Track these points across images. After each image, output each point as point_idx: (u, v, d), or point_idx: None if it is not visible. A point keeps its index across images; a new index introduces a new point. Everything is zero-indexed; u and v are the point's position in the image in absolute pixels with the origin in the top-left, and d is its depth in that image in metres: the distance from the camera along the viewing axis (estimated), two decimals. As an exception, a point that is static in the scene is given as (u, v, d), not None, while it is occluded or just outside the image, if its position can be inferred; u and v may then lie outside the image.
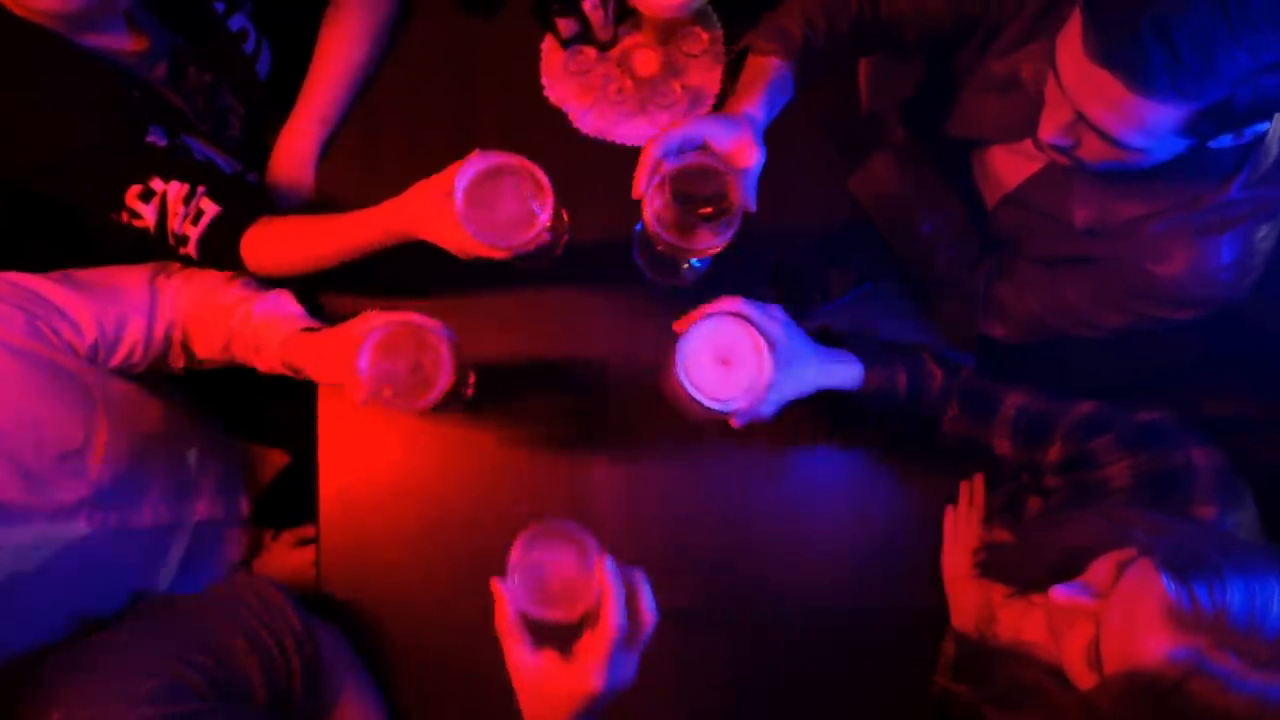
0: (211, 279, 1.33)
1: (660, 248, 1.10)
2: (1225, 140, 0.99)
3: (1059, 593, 0.86)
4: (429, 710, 1.36)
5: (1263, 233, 1.11)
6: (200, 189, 1.28)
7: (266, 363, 1.28)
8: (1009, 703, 0.99)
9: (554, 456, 1.42)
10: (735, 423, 1.06)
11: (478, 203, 1.09)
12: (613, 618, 0.89)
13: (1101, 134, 0.98)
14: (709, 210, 1.05)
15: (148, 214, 1.27)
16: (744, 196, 1.07)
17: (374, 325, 1.12)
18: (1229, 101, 0.90)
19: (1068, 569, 0.90)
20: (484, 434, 1.42)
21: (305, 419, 1.44)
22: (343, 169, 1.49)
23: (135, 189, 1.26)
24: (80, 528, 1.14)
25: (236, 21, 1.39)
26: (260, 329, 1.26)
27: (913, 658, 1.31)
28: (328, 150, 1.49)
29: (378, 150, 1.49)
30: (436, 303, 1.45)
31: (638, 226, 1.23)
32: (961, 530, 1.33)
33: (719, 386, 0.99)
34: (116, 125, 1.26)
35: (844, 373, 1.15)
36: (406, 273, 1.35)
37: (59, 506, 1.11)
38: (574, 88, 1.50)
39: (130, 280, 1.28)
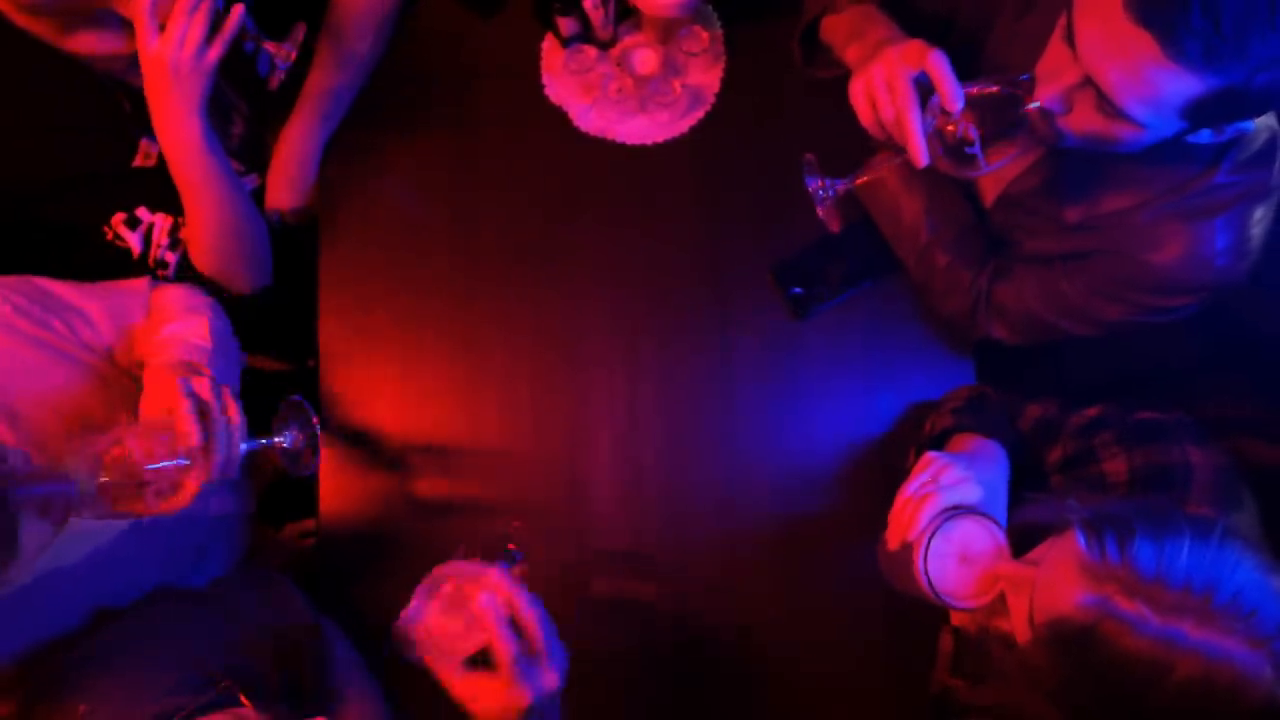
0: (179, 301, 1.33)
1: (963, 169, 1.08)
2: (1205, 135, 1.00)
3: (1004, 566, 0.93)
4: (429, 709, 1.37)
5: (1258, 215, 1.10)
6: (181, 220, 1.35)
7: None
8: (980, 680, 1.02)
9: (553, 456, 1.43)
10: None
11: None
12: (500, 645, 0.97)
13: (1107, 101, 0.97)
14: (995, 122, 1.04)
15: (133, 241, 1.34)
16: (1042, 98, 1.03)
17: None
18: (1244, 86, 0.91)
19: (1023, 547, 0.95)
20: (484, 433, 1.43)
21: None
22: (344, 168, 1.49)
23: (121, 216, 1.32)
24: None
25: None
26: (155, 344, 1.22)
27: (911, 656, 1.32)
28: (329, 149, 1.49)
29: (379, 149, 1.50)
30: (438, 307, 1.46)
31: (809, 167, 1.16)
32: None
33: (977, 586, 0.99)
34: (106, 148, 1.29)
35: (1004, 457, 1.15)
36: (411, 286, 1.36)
37: None
38: (574, 86, 1.50)
39: (135, 287, 1.30)
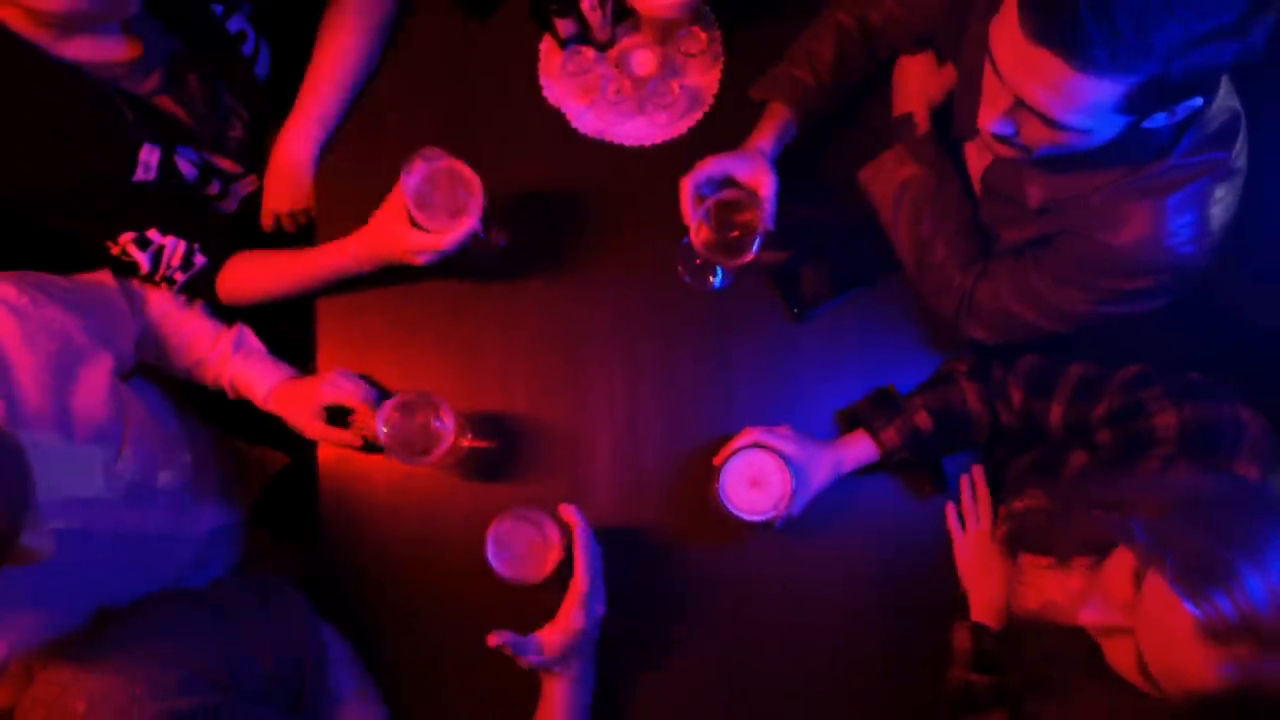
0: (171, 300, 1.42)
1: (699, 261, 1.34)
2: (1160, 119, 1.01)
3: (1088, 616, 0.89)
4: (429, 710, 1.37)
5: (1218, 194, 1.10)
6: (195, 245, 1.39)
7: (238, 395, 1.43)
8: (1042, 687, 1.00)
9: (552, 457, 1.43)
10: (776, 526, 1.30)
11: (422, 204, 1.26)
12: (584, 575, 1.21)
13: (1041, 117, 0.99)
14: (737, 234, 1.26)
15: (142, 260, 1.36)
16: (765, 220, 1.27)
17: (324, 397, 1.36)
18: (1164, 76, 0.92)
19: (1091, 551, 0.94)
20: (483, 435, 1.43)
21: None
22: (341, 169, 1.49)
23: (130, 235, 1.33)
24: (111, 515, 1.16)
25: (235, 23, 1.39)
26: (240, 372, 1.42)
27: (913, 655, 1.32)
28: (326, 150, 1.49)
29: (376, 150, 1.49)
30: (436, 310, 1.46)
31: (684, 240, 1.35)
32: (970, 522, 1.34)
33: (755, 507, 1.26)
34: (108, 157, 1.29)
35: (857, 451, 1.33)
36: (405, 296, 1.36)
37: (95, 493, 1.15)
38: (572, 88, 1.50)
39: (108, 291, 1.33)
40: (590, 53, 1.47)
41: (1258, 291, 1.55)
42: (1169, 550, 0.81)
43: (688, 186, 1.27)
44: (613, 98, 1.48)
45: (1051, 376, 1.25)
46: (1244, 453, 1.03)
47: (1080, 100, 0.96)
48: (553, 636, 1.20)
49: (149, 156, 1.32)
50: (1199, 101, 1.00)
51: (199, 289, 1.42)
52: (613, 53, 1.50)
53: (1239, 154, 1.11)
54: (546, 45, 1.52)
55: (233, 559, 1.45)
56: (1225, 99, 1.09)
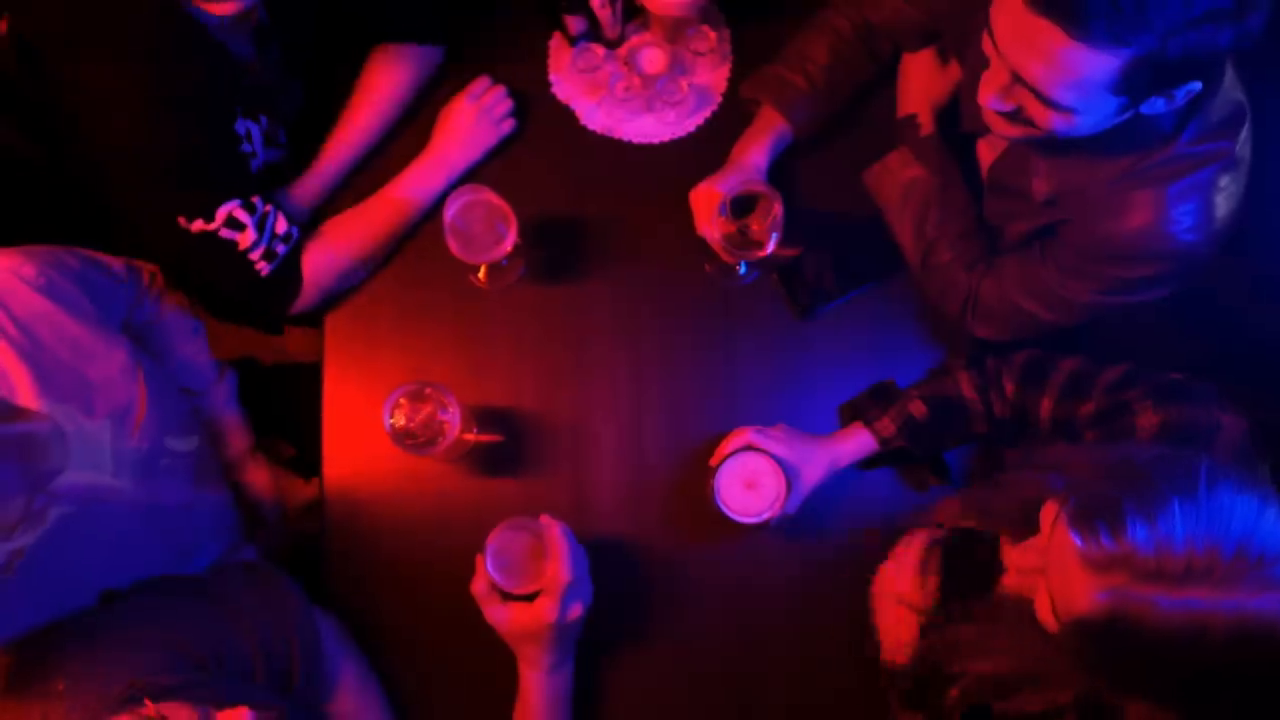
0: (184, 320, 1.44)
1: (724, 259, 1.35)
2: (1159, 104, 1.01)
3: (1013, 555, 0.96)
4: (429, 702, 1.37)
5: (1223, 183, 1.10)
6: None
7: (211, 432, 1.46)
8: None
9: (557, 455, 1.43)
10: (772, 526, 1.31)
11: (461, 235, 1.31)
12: (563, 571, 1.19)
13: (1036, 93, 1.00)
14: (756, 227, 1.28)
15: (249, 224, 1.30)
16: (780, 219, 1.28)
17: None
18: (1160, 53, 0.93)
19: (1029, 519, 0.97)
20: (487, 431, 1.43)
21: (310, 414, 1.45)
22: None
23: (236, 202, 1.28)
24: (119, 488, 1.16)
25: None
26: (224, 418, 1.47)
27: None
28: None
29: (383, 148, 1.49)
30: (443, 305, 1.46)
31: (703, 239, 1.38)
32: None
33: (750, 509, 1.28)
34: (223, 126, 1.27)
35: (854, 445, 1.34)
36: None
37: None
38: (581, 85, 1.50)
39: (115, 273, 1.32)
40: (599, 50, 1.47)
41: (1259, 296, 1.55)
42: (1075, 495, 0.88)
43: (702, 205, 1.31)
44: (621, 95, 1.48)
45: (1045, 369, 1.26)
46: (1217, 453, 1.04)
47: (1076, 74, 0.96)
48: (519, 616, 1.20)
49: (246, 126, 1.30)
50: (1198, 86, 1.00)
51: (290, 265, 1.37)
52: (622, 50, 1.50)
53: (1243, 144, 1.11)
54: (556, 42, 1.52)
55: (236, 541, 1.44)
56: (1230, 90, 1.09)
